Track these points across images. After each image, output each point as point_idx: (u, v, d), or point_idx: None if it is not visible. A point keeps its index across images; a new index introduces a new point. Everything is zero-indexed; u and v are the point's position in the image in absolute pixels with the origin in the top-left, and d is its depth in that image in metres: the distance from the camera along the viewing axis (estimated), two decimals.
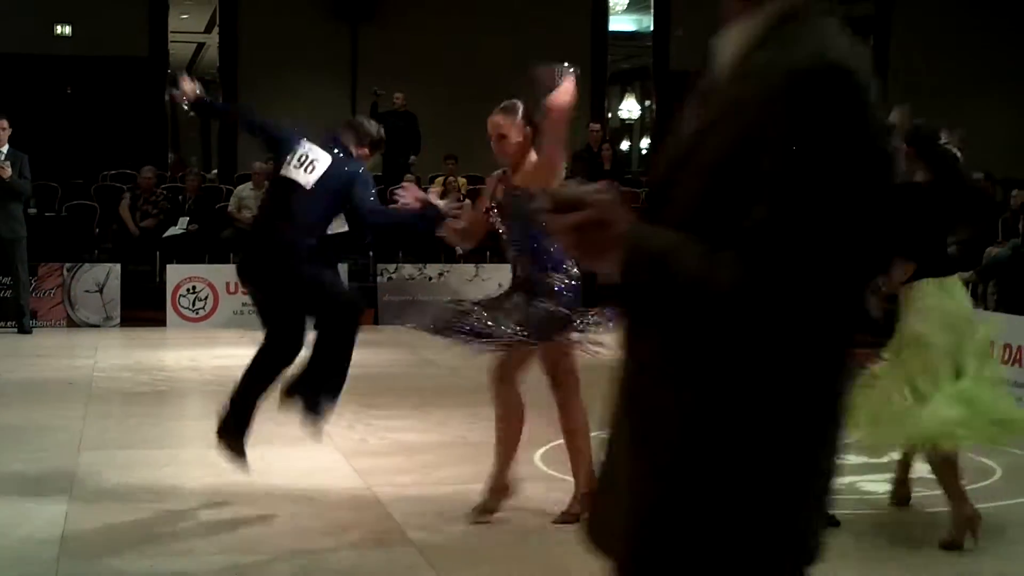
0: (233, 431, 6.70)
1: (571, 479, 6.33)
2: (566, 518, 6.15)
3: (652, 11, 22.23)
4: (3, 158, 13.67)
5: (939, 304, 6.26)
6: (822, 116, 2.03)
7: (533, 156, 6.20)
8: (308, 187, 6.62)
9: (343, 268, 13.36)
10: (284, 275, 6.66)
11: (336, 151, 6.76)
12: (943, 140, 6.84)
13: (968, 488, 7.08)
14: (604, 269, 2.16)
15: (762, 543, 2.14)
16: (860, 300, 2.17)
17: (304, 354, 6.78)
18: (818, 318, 2.08)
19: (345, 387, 6.94)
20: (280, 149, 6.82)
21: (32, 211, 15.39)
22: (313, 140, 6.84)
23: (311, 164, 6.65)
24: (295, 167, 6.68)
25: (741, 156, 2.07)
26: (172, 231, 16.29)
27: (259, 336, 6.86)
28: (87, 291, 14.96)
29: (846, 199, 2.04)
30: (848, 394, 2.24)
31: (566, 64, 6.10)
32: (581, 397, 6.21)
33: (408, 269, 15.79)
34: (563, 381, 6.24)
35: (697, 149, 2.19)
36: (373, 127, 6.98)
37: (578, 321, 6.02)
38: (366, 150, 6.84)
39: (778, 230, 2.02)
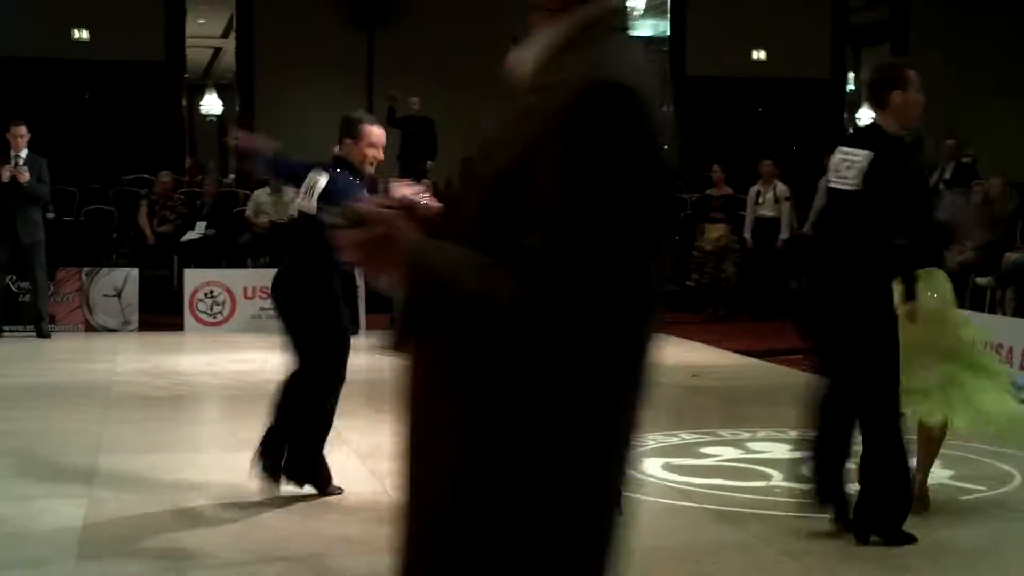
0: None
1: None
2: None
3: (669, 16, 22.22)
4: (22, 163, 13.72)
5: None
6: (598, 134, 2.01)
7: None
8: (312, 212, 6.69)
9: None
10: (299, 301, 6.74)
11: (333, 169, 6.80)
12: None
13: (986, 495, 7.09)
14: (389, 285, 2.16)
15: (551, 553, 2.13)
16: (650, 314, 2.16)
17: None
18: (599, 335, 2.07)
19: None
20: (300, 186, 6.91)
21: (50, 216, 15.43)
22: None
23: (312, 189, 6.73)
24: (301, 198, 6.80)
25: (523, 170, 2.06)
26: (189, 236, 16.33)
27: (275, 341, 6.89)
28: (105, 295, 14.99)
29: (620, 219, 2.02)
30: (642, 404, 2.22)
31: None
32: None
33: None
34: None
35: (486, 160, 2.19)
36: (356, 112, 7.02)
37: None
38: (349, 140, 6.81)
39: (553, 249, 2.01)
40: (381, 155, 6.88)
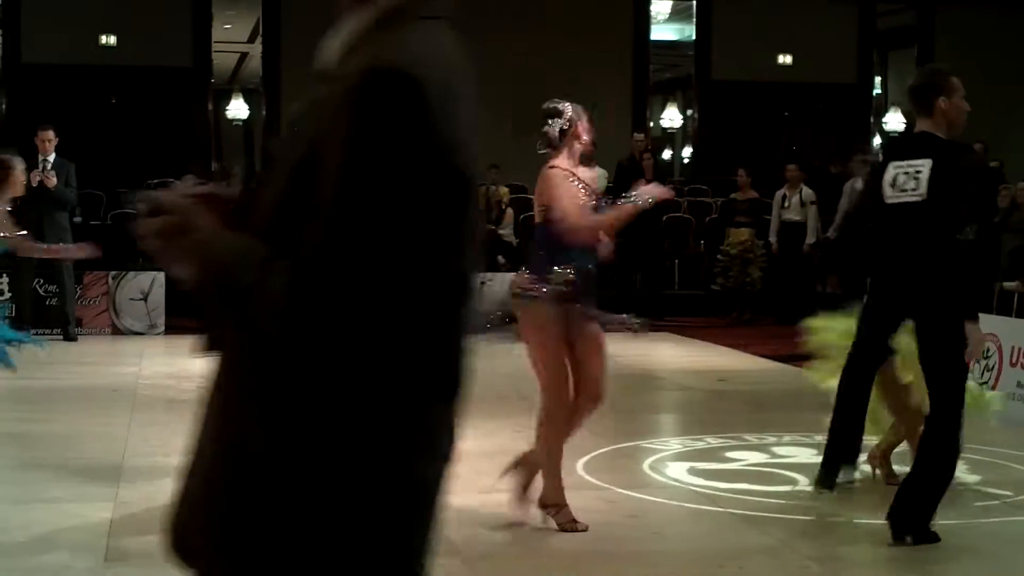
0: None
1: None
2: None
3: (694, 20, 22.20)
4: (49, 167, 13.80)
5: None
6: (374, 122, 1.97)
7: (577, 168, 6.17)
8: None
9: None
10: None
11: None
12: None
13: (1013, 500, 7.07)
14: (186, 276, 2.12)
15: (349, 547, 2.07)
16: (449, 303, 2.09)
17: None
18: (386, 327, 2.01)
19: None
20: None
21: (77, 220, 15.51)
22: None
23: None
24: None
25: (312, 159, 2.02)
26: None
27: None
28: (132, 299, 15.06)
29: (395, 209, 1.96)
30: (449, 418, 2.16)
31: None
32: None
33: None
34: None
35: (283, 150, 2.16)
36: None
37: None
38: None
39: (329, 241, 1.96)
40: None
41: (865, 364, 6.44)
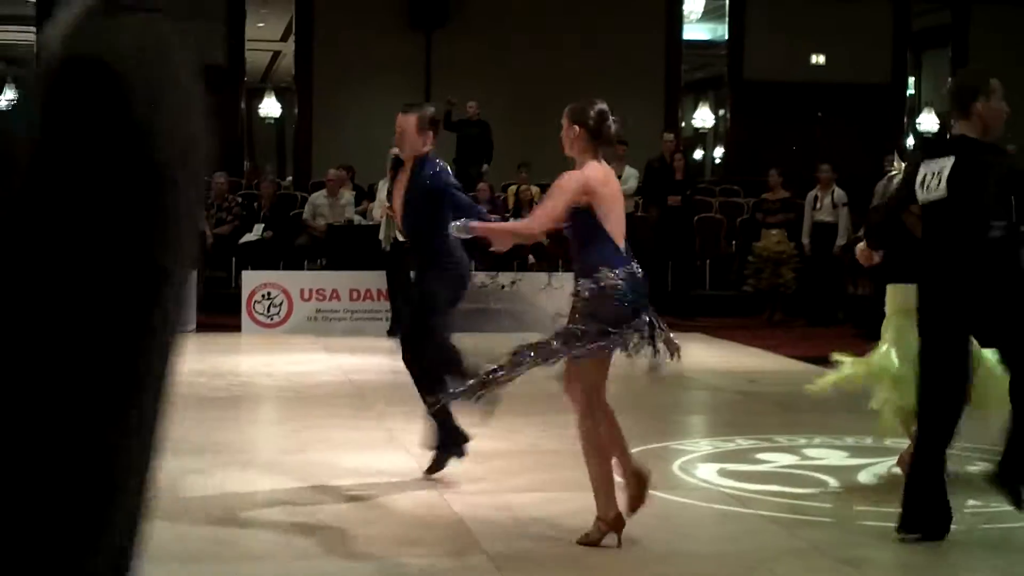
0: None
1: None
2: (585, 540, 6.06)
3: (727, 20, 22.16)
4: None
5: (896, 306, 7.15)
6: (68, 113, 1.89)
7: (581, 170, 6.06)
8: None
9: None
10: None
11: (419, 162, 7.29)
12: (893, 171, 7.78)
13: None
14: None
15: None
16: (140, 319, 1.95)
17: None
18: (70, 335, 1.89)
19: (414, 394, 7.08)
20: None
21: None
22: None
23: None
24: None
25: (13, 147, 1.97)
26: (247, 238, 16.45)
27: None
28: None
29: (83, 205, 1.89)
30: (152, 419, 2.11)
31: None
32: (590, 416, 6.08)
33: (481, 277, 15.73)
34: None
35: None
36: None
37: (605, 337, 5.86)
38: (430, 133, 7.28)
39: (13, 234, 1.89)
40: (399, 139, 7.32)
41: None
